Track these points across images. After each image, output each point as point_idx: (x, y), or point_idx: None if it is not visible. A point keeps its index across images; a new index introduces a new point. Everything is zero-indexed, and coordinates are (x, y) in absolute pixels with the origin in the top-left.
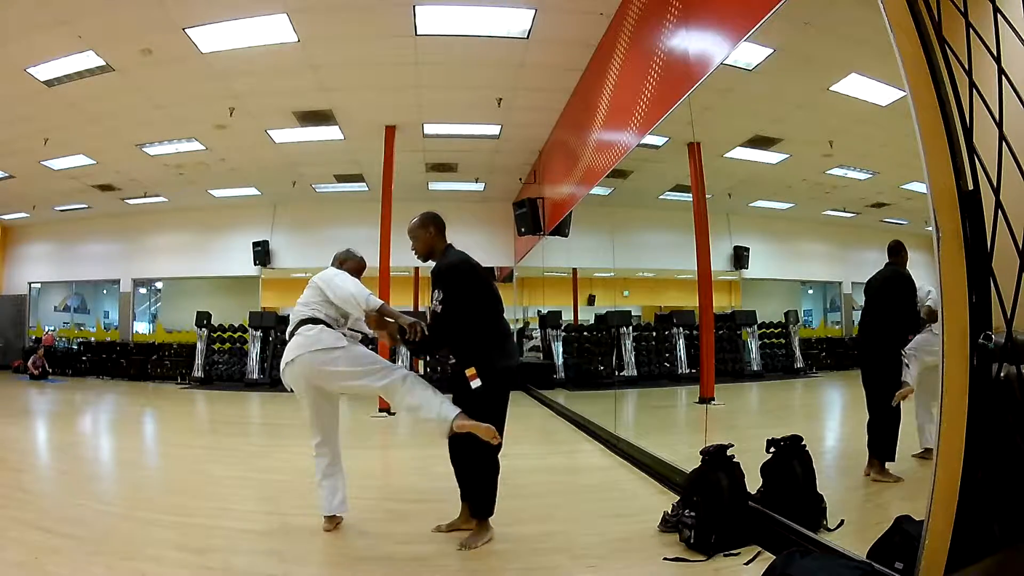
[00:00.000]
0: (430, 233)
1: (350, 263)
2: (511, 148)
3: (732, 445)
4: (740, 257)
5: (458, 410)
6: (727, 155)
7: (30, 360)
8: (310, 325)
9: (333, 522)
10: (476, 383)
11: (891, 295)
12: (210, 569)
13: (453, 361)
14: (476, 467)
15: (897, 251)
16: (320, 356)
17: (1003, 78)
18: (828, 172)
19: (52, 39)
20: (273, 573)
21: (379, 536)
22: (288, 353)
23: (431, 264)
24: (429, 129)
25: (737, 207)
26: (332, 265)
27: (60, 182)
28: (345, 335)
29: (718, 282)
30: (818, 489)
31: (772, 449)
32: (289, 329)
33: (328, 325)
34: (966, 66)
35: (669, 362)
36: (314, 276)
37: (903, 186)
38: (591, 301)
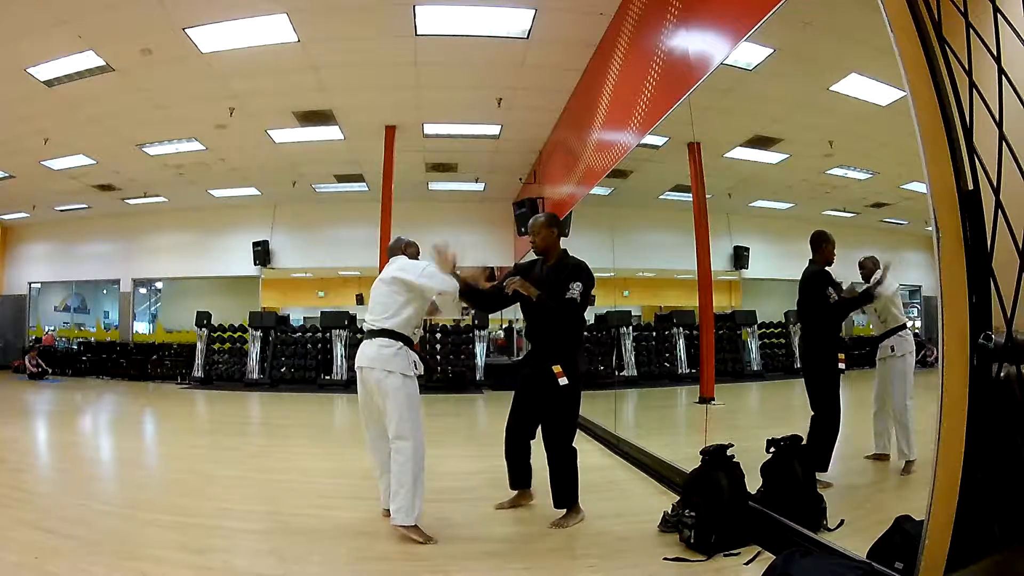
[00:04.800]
0: (553, 233)
1: (413, 248)
2: (511, 148)
3: (732, 445)
4: (740, 257)
5: (414, 519)
6: (727, 155)
7: (25, 358)
8: (389, 340)
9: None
10: (563, 380)
11: (805, 296)
12: (210, 569)
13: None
14: (559, 460)
15: (818, 243)
16: (389, 379)
17: (1003, 78)
18: (828, 172)
19: (52, 39)
20: (273, 573)
21: (379, 536)
22: (361, 359)
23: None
24: (429, 129)
25: (737, 207)
26: (395, 254)
27: (60, 182)
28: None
29: (718, 282)
30: (818, 489)
31: (772, 449)
32: (368, 327)
33: (407, 340)
34: (966, 66)
35: (669, 362)
36: (394, 267)
37: (903, 186)
38: (591, 301)
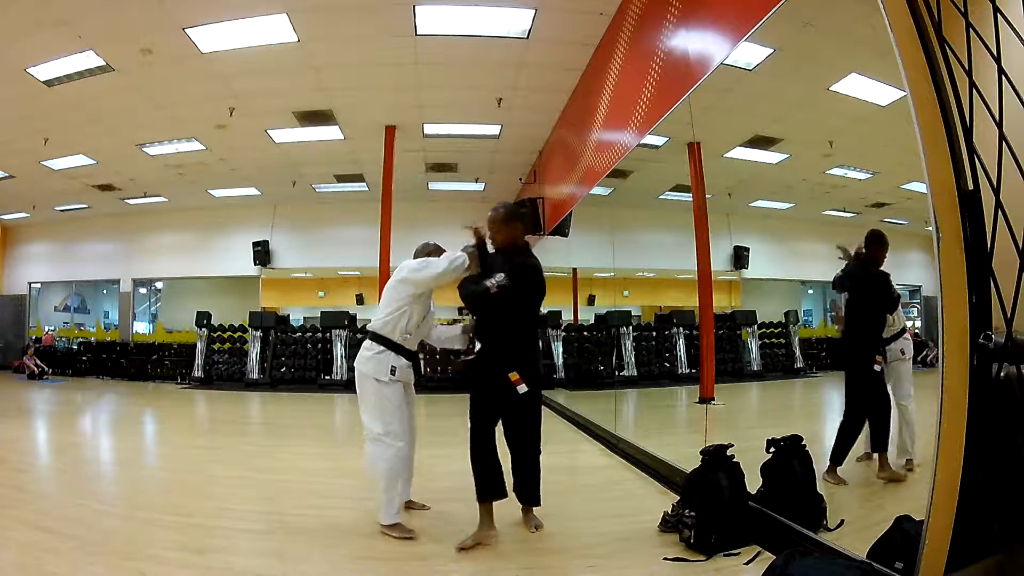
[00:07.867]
0: (517, 229)
1: (435, 252)
2: (511, 148)
3: (732, 445)
4: (740, 257)
5: (393, 519)
6: (727, 155)
7: (24, 358)
8: (370, 343)
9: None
10: (523, 388)
11: (860, 295)
12: (210, 569)
13: (471, 357)
14: (533, 461)
15: (870, 243)
16: (361, 381)
17: (1003, 78)
18: (828, 172)
19: (52, 39)
20: (273, 573)
21: (379, 536)
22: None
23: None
24: (429, 129)
25: (737, 207)
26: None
27: (60, 182)
28: (408, 354)
29: (718, 282)
30: (818, 489)
31: (772, 449)
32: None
33: (390, 342)
34: (966, 66)
35: (669, 362)
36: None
37: (903, 186)
38: (591, 301)
